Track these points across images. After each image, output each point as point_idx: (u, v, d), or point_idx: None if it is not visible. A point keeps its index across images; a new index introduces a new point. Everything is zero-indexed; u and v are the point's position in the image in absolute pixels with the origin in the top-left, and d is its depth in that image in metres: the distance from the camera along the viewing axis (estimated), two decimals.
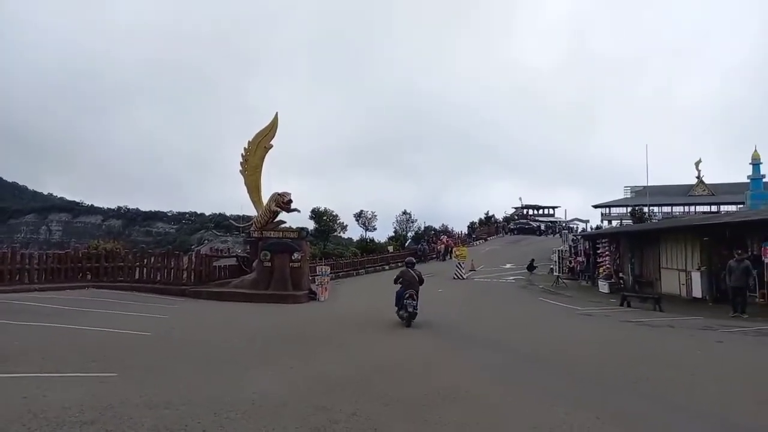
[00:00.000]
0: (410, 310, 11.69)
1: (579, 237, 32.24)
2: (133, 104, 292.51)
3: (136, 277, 19.14)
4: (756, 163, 48.42)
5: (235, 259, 21.29)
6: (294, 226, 19.92)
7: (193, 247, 78.22)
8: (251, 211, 20.91)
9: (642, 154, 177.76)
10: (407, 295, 11.79)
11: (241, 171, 20.27)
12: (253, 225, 19.72)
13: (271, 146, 20.19)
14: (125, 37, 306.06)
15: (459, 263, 27.68)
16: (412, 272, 12.29)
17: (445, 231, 46.94)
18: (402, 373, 7.40)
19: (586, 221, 62.89)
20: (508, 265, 33.20)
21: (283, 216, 19.58)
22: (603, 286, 22.60)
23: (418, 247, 37.65)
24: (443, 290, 21.67)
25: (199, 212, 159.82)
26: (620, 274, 23.19)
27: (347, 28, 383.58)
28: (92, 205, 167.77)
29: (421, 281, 12.33)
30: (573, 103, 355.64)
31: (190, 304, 15.99)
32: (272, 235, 18.93)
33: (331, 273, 21.01)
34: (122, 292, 17.05)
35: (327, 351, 8.97)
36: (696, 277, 18.31)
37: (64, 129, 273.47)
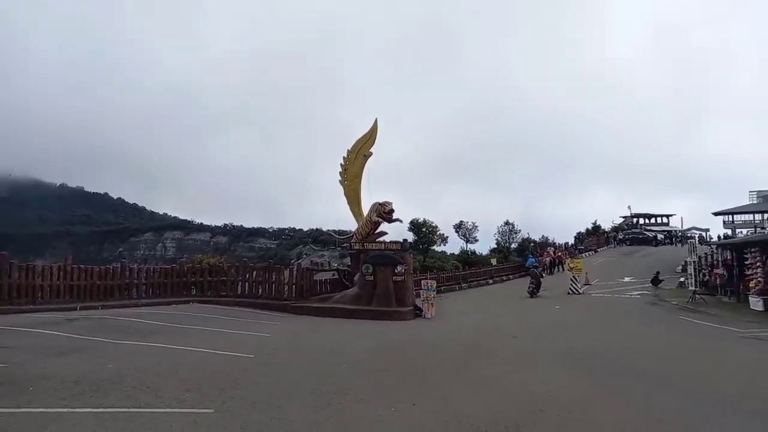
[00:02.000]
0: (532, 288, 22.49)
1: (716, 246, 28.02)
2: (230, 127, 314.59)
3: (239, 291, 18.87)
4: None
5: (334, 272, 20.47)
6: (390, 239, 18.75)
7: (292, 261, 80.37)
8: (347, 225, 20.13)
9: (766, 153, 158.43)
10: (532, 282, 22.78)
11: (340, 181, 19.45)
12: (354, 237, 18.75)
13: (371, 154, 19.21)
14: (218, 61, 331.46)
15: (574, 276, 24.90)
16: (536, 271, 24.14)
17: (547, 243, 43.53)
18: (554, 418, 5.74)
19: (706, 230, 56.78)
20: (627, 279, 29.73)
21: (384, 227, 18.49)
22: (756, 303, 18.95)
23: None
24: (560, 307, 19.39)
25: (297, 228, 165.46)
26: None
27: (437, 41, 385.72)
28: (201, 223, 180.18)
29: (542, 276, 24.65)
30: (674, 102, 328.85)
31: (293, 320, 15.25)
32: (373, 247, 17.86)
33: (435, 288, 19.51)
34: (225, 308, 16.76)
35: (452, 382, 7.49)
36: None
37: (173, 153, 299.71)
